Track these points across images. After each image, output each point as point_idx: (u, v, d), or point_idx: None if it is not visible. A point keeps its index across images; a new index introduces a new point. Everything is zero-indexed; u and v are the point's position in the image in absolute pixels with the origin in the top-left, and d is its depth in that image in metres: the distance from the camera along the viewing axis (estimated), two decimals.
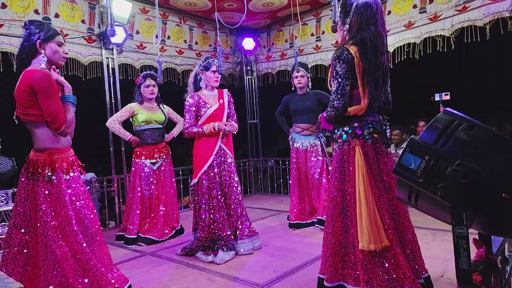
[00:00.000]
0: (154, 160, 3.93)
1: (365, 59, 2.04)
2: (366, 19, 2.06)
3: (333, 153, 2.24)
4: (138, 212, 3.83)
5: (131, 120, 3.96)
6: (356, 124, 2.12)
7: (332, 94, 2.10)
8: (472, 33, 4.00)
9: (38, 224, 2.11)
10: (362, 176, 2.05)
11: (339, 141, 2.18)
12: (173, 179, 4.12)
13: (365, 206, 2.02)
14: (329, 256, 2.16)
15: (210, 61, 3.32)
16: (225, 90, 3.45)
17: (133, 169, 3.94)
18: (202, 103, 3.30)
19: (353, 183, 2.09)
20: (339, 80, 2.06)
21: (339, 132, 2.18)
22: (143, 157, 3.90)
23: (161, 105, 4.07)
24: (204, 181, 3.23)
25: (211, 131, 3.22)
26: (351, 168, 2.11)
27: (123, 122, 3.93)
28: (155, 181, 3.93)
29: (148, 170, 3.89)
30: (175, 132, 4.20)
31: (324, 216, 3.83)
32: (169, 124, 4.19)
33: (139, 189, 3.87)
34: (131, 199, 3.91)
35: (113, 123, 3.86)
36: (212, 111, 3.29)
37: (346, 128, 2.14)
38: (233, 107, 3.45)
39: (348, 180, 2.12)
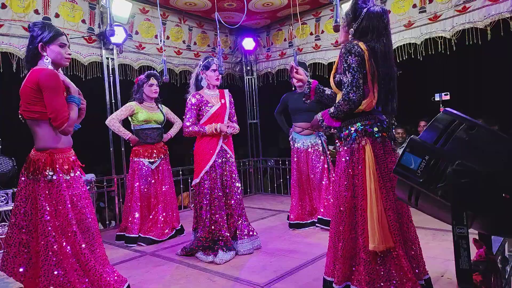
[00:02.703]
0: (153, 160, 3.93)
1: (380, 66, 2.05)
2: (377, 30, 2.06)
3: (340, 152, 2.19)
4: (138, 210, 3.83)
5: (130, 119, 3.96)
6: (367, 122, 2.10)
7: (346, 87, 2.04)
8: (473, 34, 4.00)
9: (39, 224, 2.11)
10: (373, 175, 2.03)
11: (347, 139, 2.14)
12: (172, 179, 4.12)
13: (375, 206, 2.01)
14: (339, 258, 2.13)
15: (209, 60, 3.33)
16: (226, 90, 3.45)
17: (131, 168, 3.94)
18: (204, 102, 3.31)
19: (363, 182, 2.07)
20: (353, 72, 2.02)
21: (347, 131, 2.15)
22: (141, 156, 3.90)
23: (159, 105, 4.08)
24: (205, 181, 3.23)
25: (212, 132, 3.22)
26: (360, 167, 2.08)
27: (122, 121, 3.93)
28: (152, 181, 3.92)
29: (146, 169, 3.89)
30: (172, 132, 4.21)
31: (325, 216, 3.84)
32: (167, 124, 4.18)
33: (137, 188, 3.87)
34: (130, 198, 3.91)
35: (113, 121, 3.85)
36: (214, 110, 3.29)
37: (356, 126, 2.11)
38: (233, 108, 3.45)
39: (357, 179, 2.10)
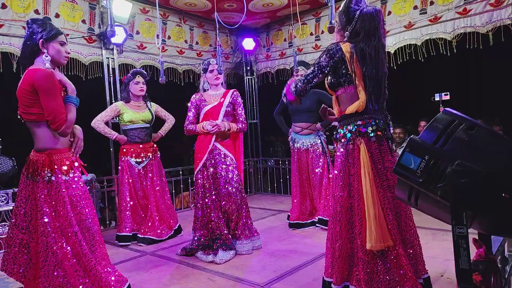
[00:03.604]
0: (140, 160, 3.89)
1: (364, 67, 2.05)
2: (368, 31, 2.07)
3: (337, 153, 2.21)
4: (129, 209, 3.83)
5: (118, 119, 3.95)
6: (359, 122, 2.11)
7: (302, 76, 2.15)
8: (474, 39, 4.00)
9: (39, 225, 2.11)
10: (368, 175, 2.04)
11: (343, 140, 2.16)
12: (163, 178, 4.08)
13: (372, 205, 2.01)
14: (337, 259, 2.13)
15: (206, 63, 3.37)
16: (232, 90, 3.44)
17: (120, 167, 3.92)
18: (203, 101, 3.35)
19: (358, 182, 2.08)
20: (316, 69, 2.11)
21: (342, 131, 2.17)
22: (128, 156, 3.88)
23: (148, 103, 4.02)
24: (199, 180, 3.28)
25: (201, 130, 3.27)
26: (356, 167, 2.09)
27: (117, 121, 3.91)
28: (139, 181, 3.91)
29: (133, 169, 3.88)
30: (163, 131, 4.15)
31: (325, 216, 3.85)
32: (159, 122, 4.15)
33: (127, 187, 3.86)
34: (121, 197, 3.89)
35: (98, 122, 3.78)
36: (207, 109, 3.32)
37: (349, 127, 2.13)
38: (241, 107, 3.42)
39: (353, 179, 2.11)
